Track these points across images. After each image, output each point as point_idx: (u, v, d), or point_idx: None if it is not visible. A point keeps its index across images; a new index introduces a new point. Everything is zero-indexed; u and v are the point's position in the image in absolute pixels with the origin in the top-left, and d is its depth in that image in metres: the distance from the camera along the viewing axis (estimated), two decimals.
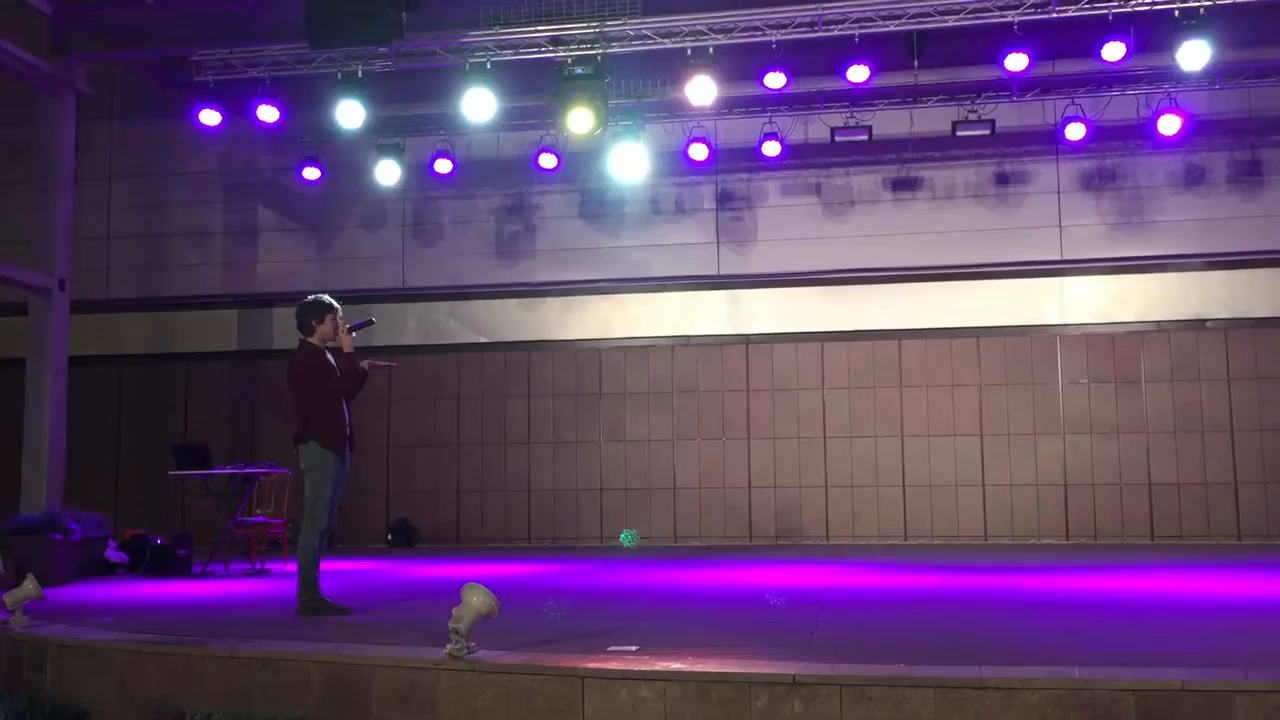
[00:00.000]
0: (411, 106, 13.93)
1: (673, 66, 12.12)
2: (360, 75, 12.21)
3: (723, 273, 14.24)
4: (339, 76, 12.23)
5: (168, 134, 14.99)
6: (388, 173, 13.91)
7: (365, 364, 7.43)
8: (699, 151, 13.38)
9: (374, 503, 14.40)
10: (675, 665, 4.85)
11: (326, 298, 7.44)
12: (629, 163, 13.47)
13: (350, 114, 12.27)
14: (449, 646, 5.01)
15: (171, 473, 11.42)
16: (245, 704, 5.34)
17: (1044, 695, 4.43)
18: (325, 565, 7.38)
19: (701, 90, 11.72)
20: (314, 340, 7.34)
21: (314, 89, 12.88)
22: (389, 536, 14.27)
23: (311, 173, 14.21)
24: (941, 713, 4.50)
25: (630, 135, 13.33)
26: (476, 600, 4.95)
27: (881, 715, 4.55)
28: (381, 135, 13.74)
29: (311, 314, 7.35)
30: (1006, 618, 6.88)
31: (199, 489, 11.89)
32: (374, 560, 12.12)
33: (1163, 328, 13.28)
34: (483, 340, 14.77)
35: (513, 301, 14.75)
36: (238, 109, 12.79)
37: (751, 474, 13.95)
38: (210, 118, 12.82)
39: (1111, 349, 13.34)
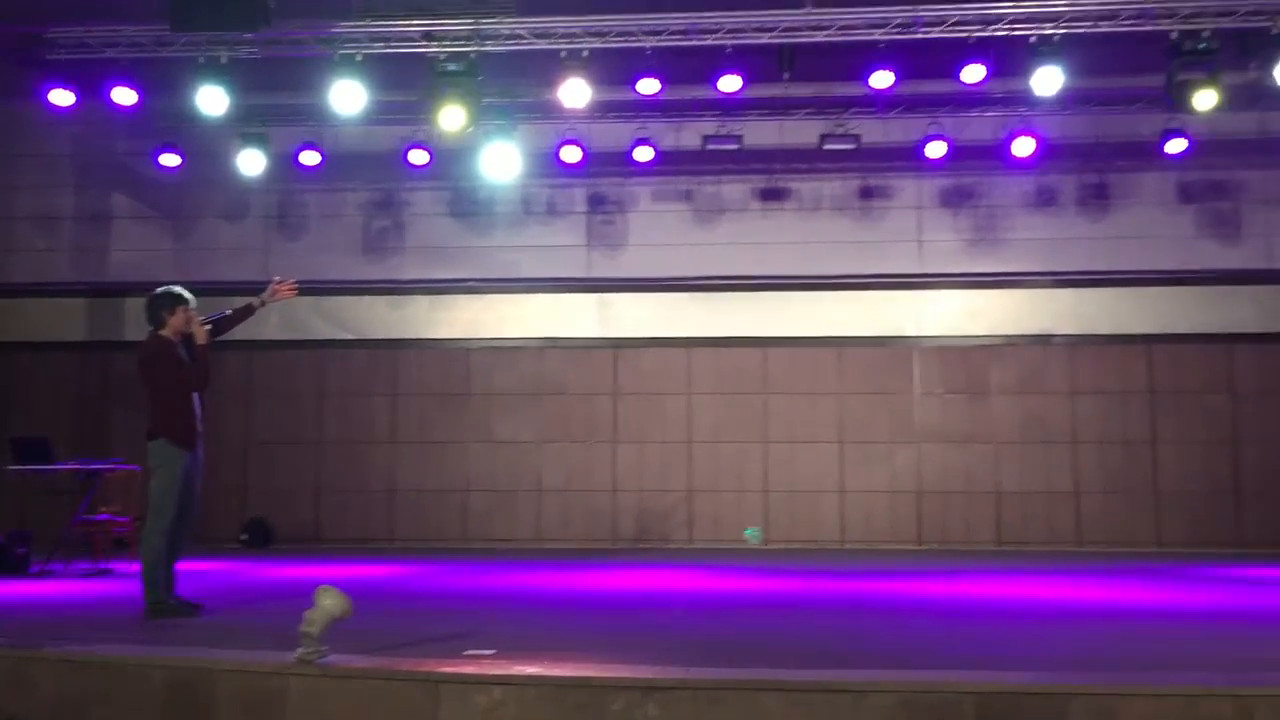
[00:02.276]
0: (278, 95, 13.54)
1: (547, 68, 12.09)
2: (224, 61, 11.85)
3: (593, 276, 14.26)
4: (201, 61, 11.84)
5: (17, 114, 14.28)
6: (251, 162, 13.52)
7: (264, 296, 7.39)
8: (572, 154, 13.37)
9: (229, 501, 13.96)
10: (531, 669, 4.84)
11: (176, 289, 7.21)
12: (501, 162, 13.37)
13: (212, 101, 11.89)
14: (299, 651, 4.89)
15: (9, 467, 10.88)
16: (81, 710, 5.13)
17: (890, 698, 4.56)
18: (177, 565, 7.13)
19: (575, 93, 11.71)
20: (166, 333, 7.10)
21: (175, 72, 12.43)
22: (244, 536, 13.86)
23: (170, 159, 13.71)
24: (793, 716, 4.59)
25: (502, 135, 13.24)
26: (329, 602, 4.85)
27: (736, 718, 4.61)
28: (245, 124, 13.34)
29: (161, 306, 7.12)
30: (859, 622, 7.06)
31: (40, 485, 11.35)
32: (227, 560, 11.77)
33: (1013, 342, 13.80)
34: (348, 337, 14.49)
35: (380, 299, 14.50)
36: (92, 90, 12.26)
37: (617, 477, 14.00)
38: (62, 98, 12.25)
39: (964, 361, 13.80)
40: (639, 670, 4.87)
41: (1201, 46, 11.16)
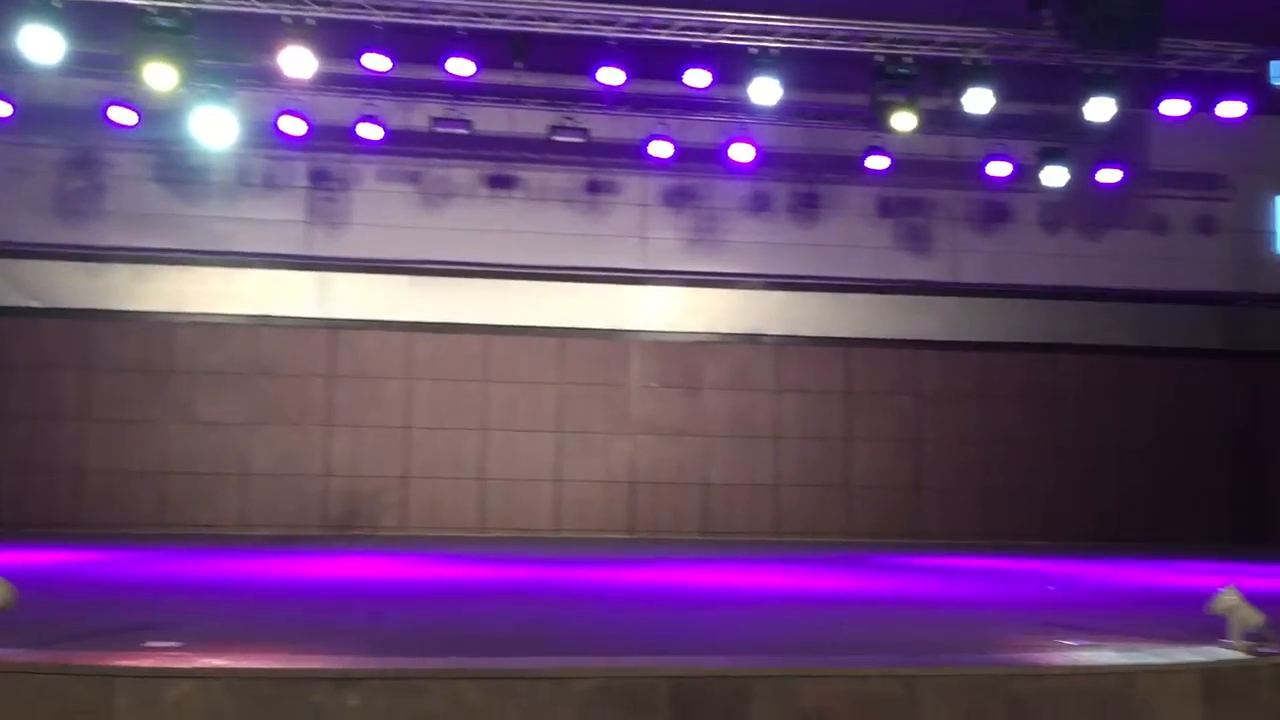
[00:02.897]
0: None
1: (269, 33, 11.54)
2: None
3: (313, 253, 13.81)
4: None
5: None
6: None
7: None
8: (293, 125, 12.87)
9: None
10: (219, 662, 4.63)
11: None
12: (216, 128, 12.69)
13: None
14: None
15: None
16: None
17: (589, 683, 4.65)
18: None
19: (297, 62, 11.25)
20: None
21: None
22: None
23: None
24: (493, 703, 4.60)
25: (218, 99, 12.56)
26: None
27: (438, 707, 4.58)
28: None
29: None
30: (566, 609, 7.17)
31: None
32: None
33: (726, 340, 14.38)
34: (35, 305, 13.39)
35: (75, 265, 13.49)
36: None
37: (330, 462, 13.63)
38: None
39: (681, 357, 14.27)
40: (335, 661, 4.77)
41: (902, 71, 12.03)
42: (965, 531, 14.20)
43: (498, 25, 11.60)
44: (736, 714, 4.67)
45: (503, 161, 14.08)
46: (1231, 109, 12.87)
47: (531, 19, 11.56)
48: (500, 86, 13.40)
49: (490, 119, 13.64)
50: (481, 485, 13.80)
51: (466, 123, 13.26)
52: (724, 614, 7.10)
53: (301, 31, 11.22)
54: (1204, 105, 12.87)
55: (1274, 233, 15.03)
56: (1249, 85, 12.84)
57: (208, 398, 13.54)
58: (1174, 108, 12.86)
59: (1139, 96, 13.09)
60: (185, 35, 10.97)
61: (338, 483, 13.60)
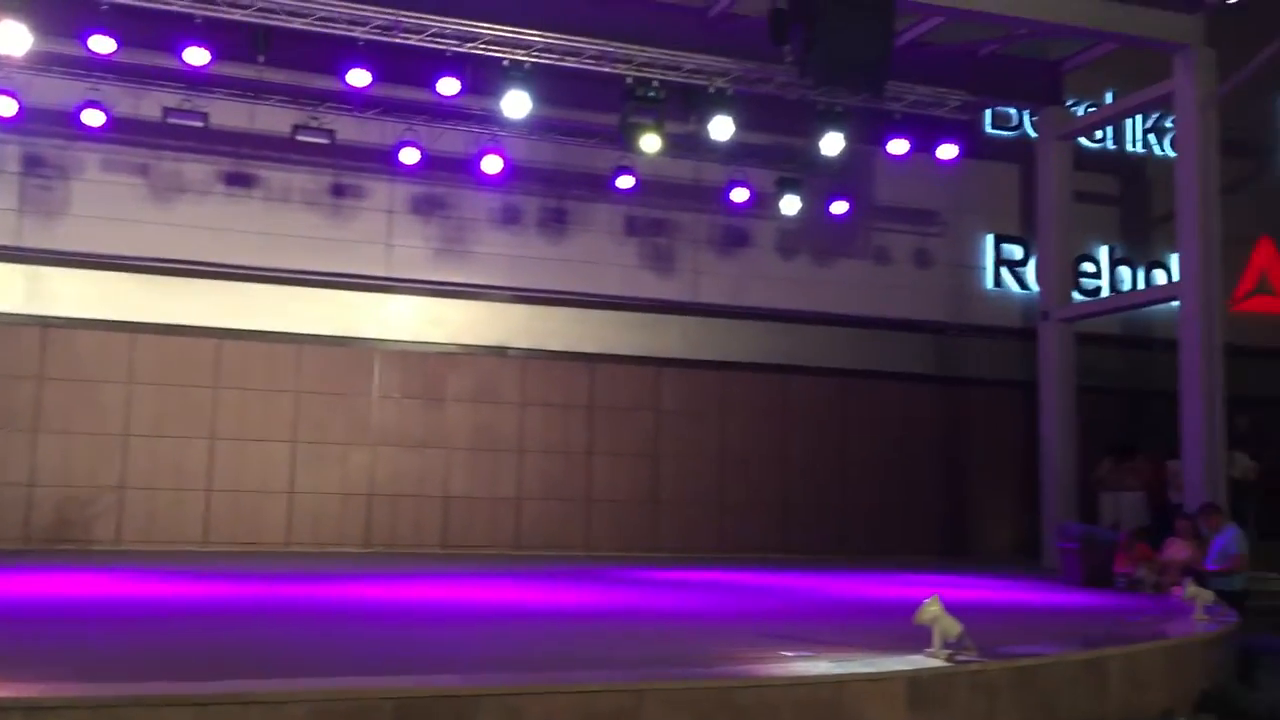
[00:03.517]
0: None
1: None
2: None
3: (23, 245, 12.83)
4: None
5: None
6: None
7: None
8: (3, 106, 11.87)
9: None
10: None
11: None
12: None
13: None
14: None
15: None
16: None
17: (307, 707, 4.47)
18: None
19: (10, 37, 10.44)
20: None
21: None
22: None
23: None
24: None
25: None
26: None
27: None
28: None
29: None
30: (287, 628, 6.89)
31: None
32: None
33: (471, 351, 14.25)
34: None
35: None
36: None
37: (36, 470, 12.62)
38: None
39: (424, 367, 14.03)
40: (28, 688, 4.40)
41: (651, 94, 12.38)
42: (701, 545, 14.60)
43: (238, 15, 11.14)
44: None
45: (241, 158, 13.48)
46: (947, 151, 13.93)
47: (275, 12, 11.17)
48: (241, 80, 12.88)
49: (229, 113, 13.05)
50: (207, 496, 13.11)
51: (203, 115, 12.62)
52: (456, 630, 7.01)
53: (16, 4, 10.40)
54: (924, 146, 13.88)
55: (983, 268, 16.30)
56: (963, 130, 13.94)
57: None
58: (897, 147, 13.81)
59: (867, 134, 13.95)
60: None
61: (44, 493, 12.59)
